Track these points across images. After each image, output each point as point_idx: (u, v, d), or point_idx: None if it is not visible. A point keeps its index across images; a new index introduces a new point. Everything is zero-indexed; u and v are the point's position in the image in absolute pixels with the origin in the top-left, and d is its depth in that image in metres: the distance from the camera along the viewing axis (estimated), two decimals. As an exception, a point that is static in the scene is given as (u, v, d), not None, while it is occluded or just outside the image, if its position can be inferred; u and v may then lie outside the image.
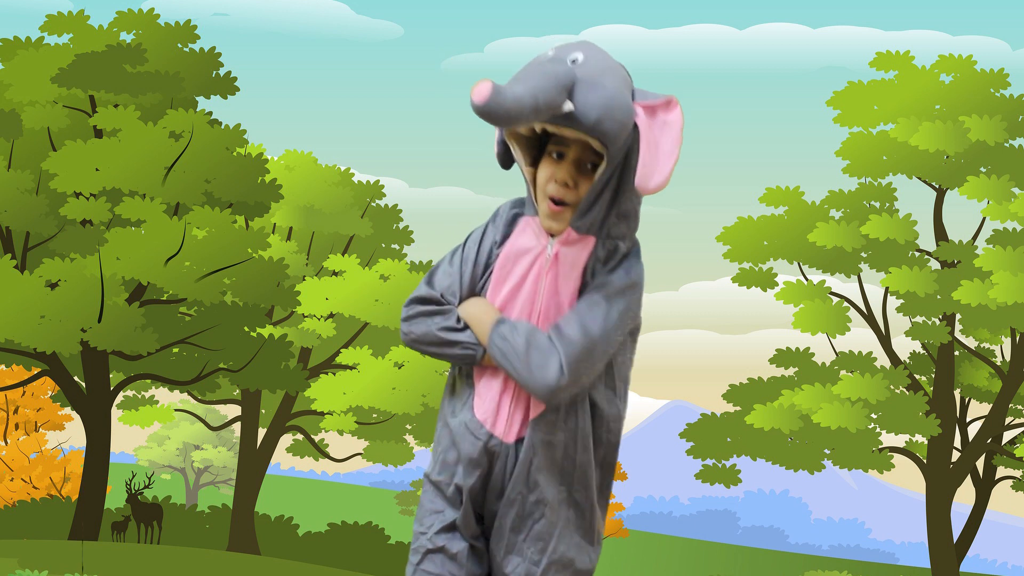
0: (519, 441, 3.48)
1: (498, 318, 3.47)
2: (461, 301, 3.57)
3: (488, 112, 3.16)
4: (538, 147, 3.49)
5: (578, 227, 3.43)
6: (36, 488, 37.18)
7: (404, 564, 33.12)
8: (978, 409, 29.83)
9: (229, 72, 25.78)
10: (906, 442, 28.94)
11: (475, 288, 3.57)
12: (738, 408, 28.33)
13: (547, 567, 3.48)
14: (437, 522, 3.54)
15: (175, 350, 26.25)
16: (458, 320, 3.52)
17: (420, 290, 3.62)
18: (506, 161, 3.52)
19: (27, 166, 25.17)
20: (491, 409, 3.50)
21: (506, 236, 3.56)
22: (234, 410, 51.95)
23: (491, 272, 3.56)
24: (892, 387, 27.66)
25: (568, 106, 3.25)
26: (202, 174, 24.57)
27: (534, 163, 3.49)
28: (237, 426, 45.69)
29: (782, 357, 28.58)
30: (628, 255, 3.47)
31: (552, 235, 3.46)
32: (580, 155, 3.39)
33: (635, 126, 3.35)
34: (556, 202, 3.42)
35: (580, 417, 3.49)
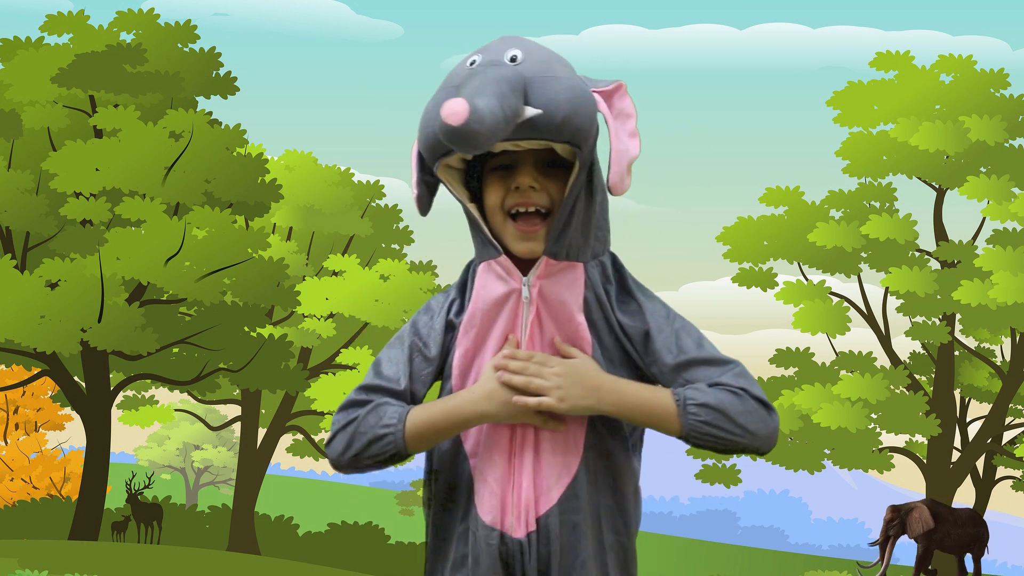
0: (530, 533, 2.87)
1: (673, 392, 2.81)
2: (409, 391, 2.94)
3: (468, 135, 2.60)
4: (464, 178, 2.92)
5: (555, 253, 2.81)
6: (36, 488, 37.19)
7: (404, 564, 33.12)
8: (978, 409, 29.90)
9: (229, 72, 25.79)
10: (906, 442, 28.95)
11: (431, 371, 2.95)
12: (738, 408, 28.31)
13: None
14: None
15: (175, 350, 26.25)
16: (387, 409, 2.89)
17: (354, 394, 2.95)
18: (426, 204, 2.91)
19: (27, 166, 25.17)
20: (498, 505, 2.86)
21: (461, 300, 2.93)
22: (234, 410, 51.98)
23: (454, 344, 2.91)
24: (892, 387, 27.66)
25: (530, 111, 2.70)
26: (202, 174, 24.58)
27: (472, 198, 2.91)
28: (237, 426, 45.69)
29: (782, 357, 28.58)
30: (622, 274, 2.93)
31: (523, 273, 2.86)
32: (534, 161, 2.84)
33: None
34: (524, 214, 2.83)
35: (610, 478, 2.92)
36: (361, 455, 2.89)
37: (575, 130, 2.73)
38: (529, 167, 2.83)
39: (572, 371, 2.79)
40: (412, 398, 2.96)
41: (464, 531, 2.89)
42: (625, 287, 2.91)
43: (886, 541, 24.21)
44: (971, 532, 24.46)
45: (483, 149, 2.65)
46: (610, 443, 2.89)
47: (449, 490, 2.93)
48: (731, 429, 2.76)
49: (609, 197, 2.89)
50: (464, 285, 2.93)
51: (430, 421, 2.87)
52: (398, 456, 2.89)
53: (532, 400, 2.79)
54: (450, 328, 2.93)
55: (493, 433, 2.87)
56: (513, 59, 2.74)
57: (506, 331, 2.85)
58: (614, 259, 2.92)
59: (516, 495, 2.84)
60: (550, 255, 2.81)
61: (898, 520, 24.11)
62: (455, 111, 2.59)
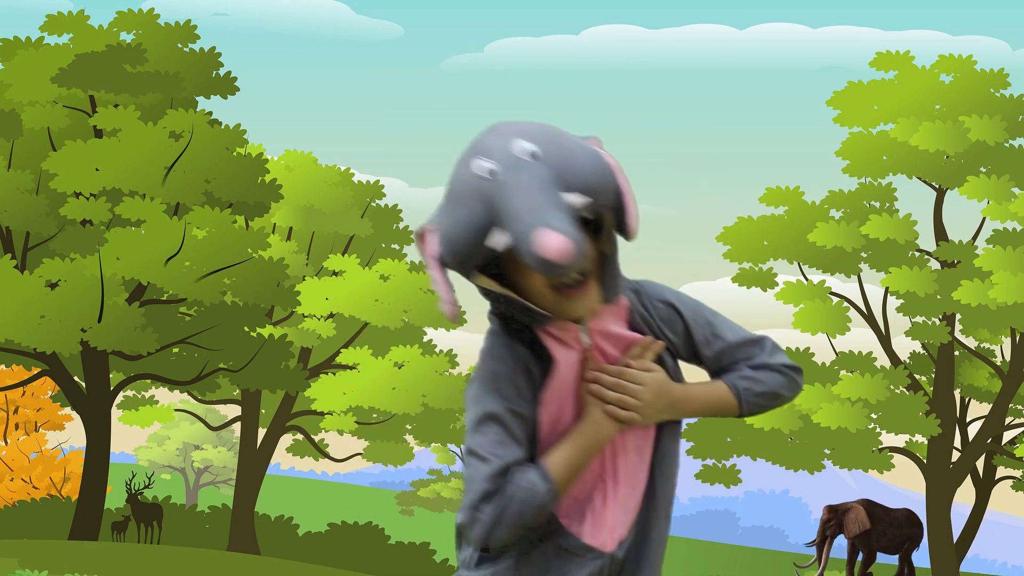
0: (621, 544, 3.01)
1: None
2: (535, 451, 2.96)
3: (570, 268, 2.64)
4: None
5: (608, 299, 2.92)
6: (36, 488, 37.20)
7: (404, 564, 33.11)
8: (978, 409, 29.86)
9: (229, 72, 25.79)
10: (906, 442, 28.95)
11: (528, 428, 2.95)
12: (738, 408, 28.32)
13: None
14: None
15: (175, 350, 26.26)
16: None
17: (484, 481, 2.87)
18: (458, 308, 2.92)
19: (27, 166, 25.18)
20: (590, 523, 2.99)
21: (536, 357, 2.95)
22: (234, 410, 51.91)
23: (540, 402, 2.95)
24: (892, 387, 27.66)
25: (577, 201, 2.72)
26: (202, 174, 24.58)
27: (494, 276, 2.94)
28: (237, 426, 45.68)
29: (782, 357, 28.56)
30: (643, 286, 3.08)
31: (577, 323, 2.94)
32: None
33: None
34: (568, 285, 2.86)
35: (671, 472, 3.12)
36: (523, 530, 2.91)
37: (609, 195, 2.80)
38: None
39: (657, 386, 2.99)
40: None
41: (555, 548, 2.97)
42: (650, 293, 3.09)
43: (823, 541, 24.41)
44: (907, 532, 24.65)
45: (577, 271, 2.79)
46: (670, 437, 3.10)
47: None
48: (777, 402, 3.12)
49: None
50: (530, 345, 2.93)
51: (568, 465, 2.94)
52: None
53: (623, 414, 2.96)
54: (530, 381, 2.95)
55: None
56: (534, 155, 2.74)
57: (578, 383, 2.96)
58: (624, 279, 3.04)
59: (609, 511, 2.99)
60: (607, 301, 2.94)
61: (835, 520, 24.28)
62: (563, 250, 2.61)
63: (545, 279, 2.84)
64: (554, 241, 2.61)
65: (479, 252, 2.77)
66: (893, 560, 28.07)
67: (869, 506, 24.40)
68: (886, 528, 24.36)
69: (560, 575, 2.96)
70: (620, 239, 2.96)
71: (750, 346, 3.10)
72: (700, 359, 3.11)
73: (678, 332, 3.08)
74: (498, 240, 2.73)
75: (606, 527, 2.96)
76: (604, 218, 2.86)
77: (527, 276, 2.87)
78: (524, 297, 2.90)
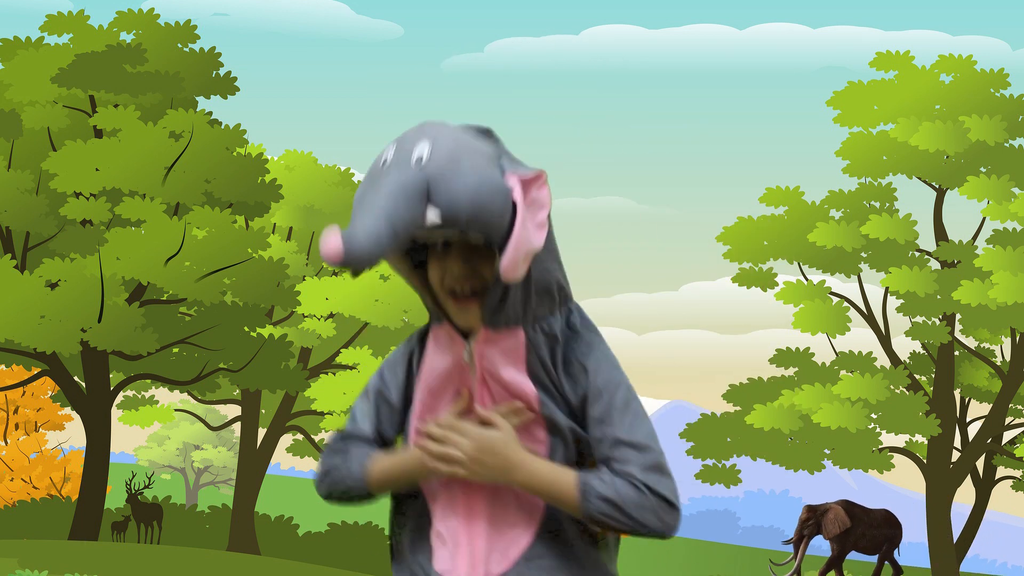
0: None
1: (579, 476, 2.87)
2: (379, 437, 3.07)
3: (348, 263, 2.72)
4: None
5: (494, 324, 2.87)
6: (36, 488, 37.19)
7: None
8: (978, 409, 29.87)
9: (229, 72, 25.79)
10: (906, 442, 28.95)
11: (397, 419, 3.06)
12: (738, 408, 28.34)
13: None
14: None
15: (175, 350, 26.25)
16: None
17: (333, 437, 3.09)
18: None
19: (27, 166, 25.18)
20: (450, 558, 2.94)
21: (420, 351, 3.04)
22: (234, 410, 51.89)
23: (414, 395, 3.03)
24: (892, 387, 27.66)
25: (432, 215, 2.74)
26: (202, 174, 24.58)
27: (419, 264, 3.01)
28: (237, 426, 45.64)
29: (782, 357, 28.58)
30: (575, 329, 2.95)
31: (466, 335, 2.94)
32: (463, 245, 2.89)
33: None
34: (459, 295, 2.90)
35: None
36: (340, 499, 3.11)
37: (481, 225, 2.76)
38: (456, 254, 2.89)
39: (486, 444, 2.88)
40: (383, 442, 3.09)
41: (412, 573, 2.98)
42: (574, 347, 2.94)
43: (800, 540, 24.44)
44: (886, 533, 24.70)
45: (372, 266, 2.77)
46: (567, 524, 2.94)
47: (410, 531, 3.05)
48: (625, 521, 2.85)
49: (549, 255, 2.92)
50: (424, 338, 3.04)
51: (385, 473, 3.02)
52: (371, 499, 3.10)
53: (445, 468, 2.89)
54: (410, 378, 3.05)
55: (447, 493, 2.96)
56: (419, 160, 2.75)
57: (456, 391, 2.95)
58: (569, 316, 2.96)
59: (475, 556, 2.91)
60: (488, 325, 2.88)
61: (814, 520, 24.33)
62: (328, 246, 2.69)
63: (438, 281, 2.93)
64: (329, 241, 2.68)
65: None
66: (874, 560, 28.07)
67: (848, 506, 24.46)
68: (865, 529, 24.42)
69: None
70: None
71: (629, 449, 2.86)
72: (591, 435, 2.91)
73: (576, 398, 2.92)
74: None
75: (464, 565, 2.90)
76: (496, 249, 2.83)
77: (430, 269, 2.96)
78: (429, 293, 2.99)
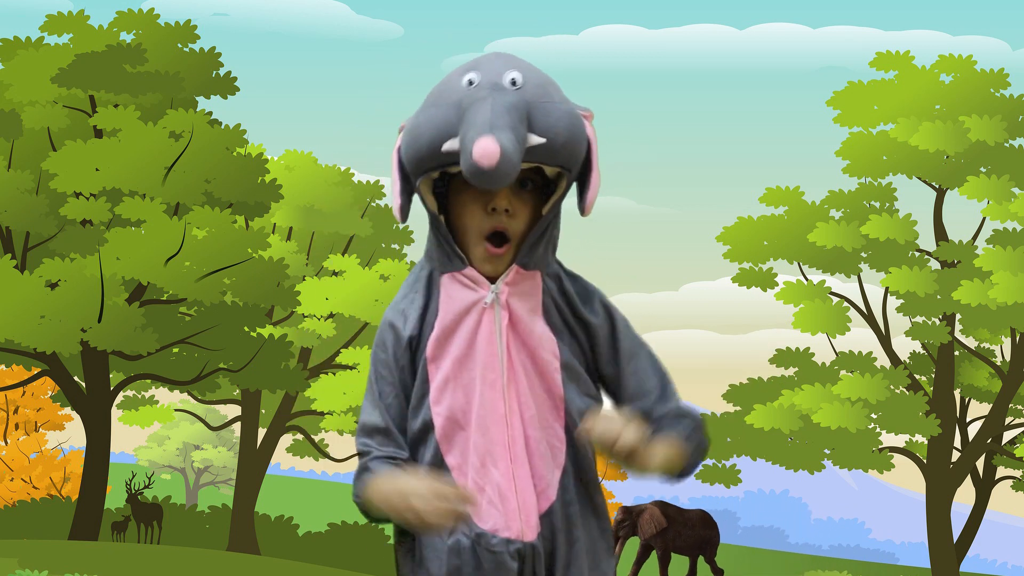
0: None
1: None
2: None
3: (499, 176, 2.69)
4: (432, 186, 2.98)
5: (526, 264, 2.91)
6: (36, 488, 37.19)
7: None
8: (978, 409, 29.85)
9: (229, 72, 25.79)
10: (906, 442, 28.95)
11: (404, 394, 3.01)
12: (738, 408, 28.34)
13: None
14: None
15: (175, 350, 26.25)
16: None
17: (362, 434, 3.04)
18: (407, 212, 2.99)
19: (27, 166, 25.17)
20: (501, 513, 2.93)
21: (424, 310, 3.00)
22: (234, 410, 51.85)
23: (423, 354, 2.97)
24: (892, 387, 27.66)
25: (534, 139, 2.77)
26: (202, 174, 24.58)
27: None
28: (237, 426, 45.64)
29: (782, 357, 28.58)
30: (578, 281, 3.02)
31: (490, 280, 2.93)
32: (510, 184, 2.84)
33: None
34: (497, 239, 2.90)
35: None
36: (374, 522, 3.04)
37: (570, 155, 2.82)
38: (506, 190, 2.88)
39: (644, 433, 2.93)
40: (403, 428, 3.02)
41: (455, 545, 2.92)
42: (586, 287, 3.02)
43: (616, 542, 24.44)
44: (701, 534, 24.69)
45: (506, 184, 2.74)
46: (583, 468, 3.03)
47: None
48: (704, 443, 3.06)
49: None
50: (427, 293, 3.00)
51: (377, 501, 2.95)
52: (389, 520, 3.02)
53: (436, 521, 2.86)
54: (412, 342, 3.00)
55: (485, 444, 2.93)
56: (513, 82, 2.80)
57: (472, 339, 2.92)
58: (561, 265, 3.02)
59: (521, 500, 2.92)
60: (521, 265, 2.91)
61: (629, 521, 24.30)
62: (489, 152, 2.67)
63: (477, 213, 2.89)
64: (488, 144, 2.67)
65: (434, 155, 2.83)
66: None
67: (663, 507, 24.49)
68: (681, 529, 24.40)
69: (453, 561, 2.93)
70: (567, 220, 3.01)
71: (672, 384, 3.05)
72: (612, 372, 3.01)
73: (597, 337, 3.00)
74: (451, 144, 2.80)
75: (517, 518, 2.93)
76: (561, 181, 2.90)
77: (463, 210, 2.92)
78: (454, 235, 2.94)
